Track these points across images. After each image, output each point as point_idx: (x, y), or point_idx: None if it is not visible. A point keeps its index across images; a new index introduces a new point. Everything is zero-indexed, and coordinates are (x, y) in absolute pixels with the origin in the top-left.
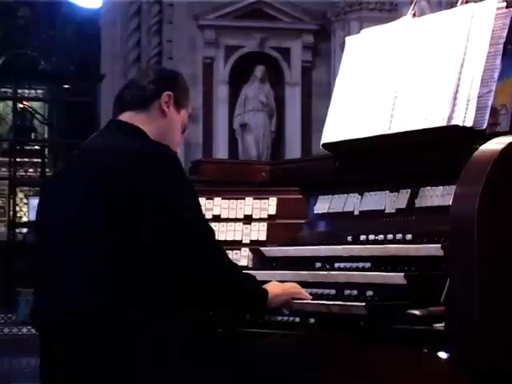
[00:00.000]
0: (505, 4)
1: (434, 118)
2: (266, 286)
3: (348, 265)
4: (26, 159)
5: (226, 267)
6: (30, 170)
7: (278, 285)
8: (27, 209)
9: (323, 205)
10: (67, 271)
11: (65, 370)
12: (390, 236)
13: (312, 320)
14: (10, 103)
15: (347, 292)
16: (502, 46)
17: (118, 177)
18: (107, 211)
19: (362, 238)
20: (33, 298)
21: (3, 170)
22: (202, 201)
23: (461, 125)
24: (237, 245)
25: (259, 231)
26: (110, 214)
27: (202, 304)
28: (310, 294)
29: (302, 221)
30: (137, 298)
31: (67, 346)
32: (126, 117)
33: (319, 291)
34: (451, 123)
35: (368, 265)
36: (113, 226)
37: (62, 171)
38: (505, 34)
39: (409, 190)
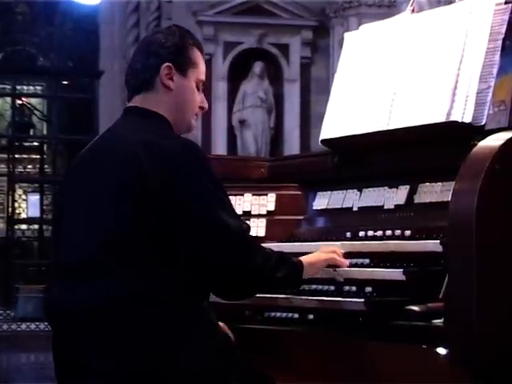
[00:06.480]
0: (503, 0)
1: (433, 114)
2: (303, 258)
3: (347, 261)
4: (25, 155)
5: (257, 265)
6: (29, 166)
7: (314, 255)
8: (26, 205)
9: (322, 201)
10: (97, 265)
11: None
12: (388, 232)
13: (311, 316)
14: (9, 99)
15: (346, 288)
16: (500, 42)
17: (148, 174)
18: (140, 213)
19: (361, 234)
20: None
21: (2, 166)
22: None
23: (459, 121)
24: None
25: (258, 227)
26: (143, 215)
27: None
28: (309, 290)
29: (301, 217)
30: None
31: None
32: (137, 101)
33: (318, 287)
34: (450, 119)
35: (367, 261)
36: (145, 228)
37: (82, 159)
38: (503, 30)
39: (408, 186)
